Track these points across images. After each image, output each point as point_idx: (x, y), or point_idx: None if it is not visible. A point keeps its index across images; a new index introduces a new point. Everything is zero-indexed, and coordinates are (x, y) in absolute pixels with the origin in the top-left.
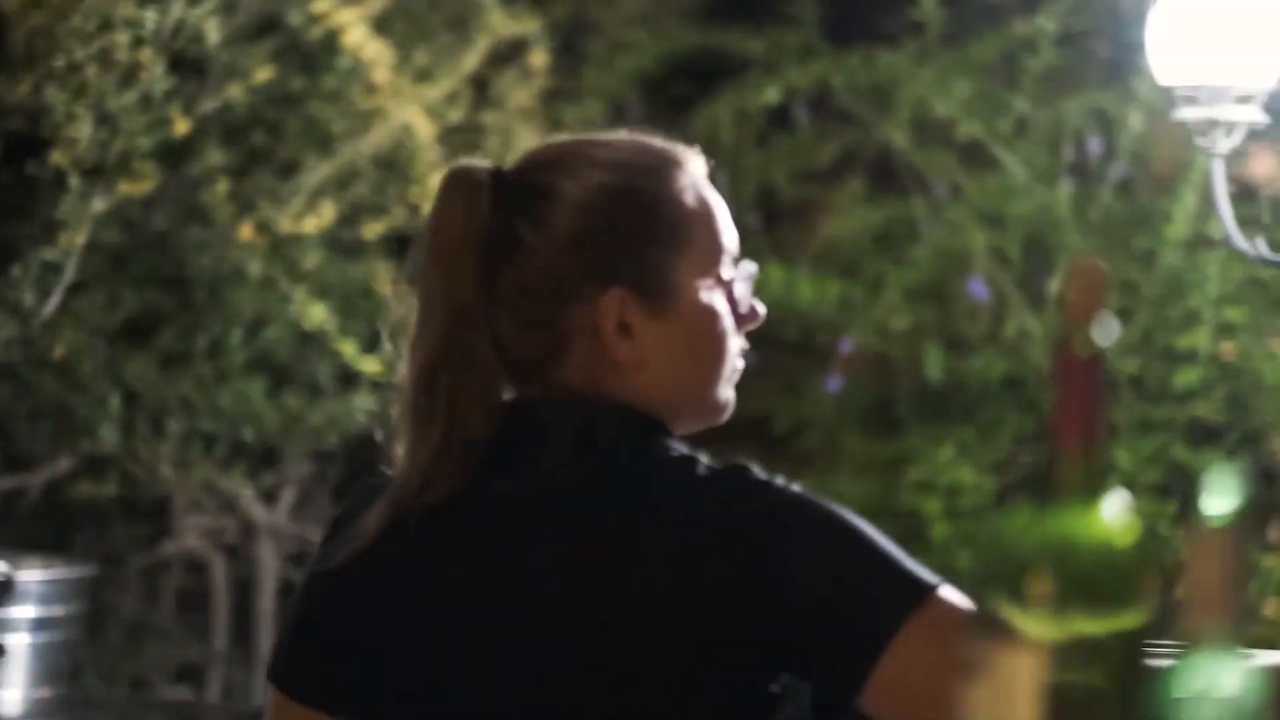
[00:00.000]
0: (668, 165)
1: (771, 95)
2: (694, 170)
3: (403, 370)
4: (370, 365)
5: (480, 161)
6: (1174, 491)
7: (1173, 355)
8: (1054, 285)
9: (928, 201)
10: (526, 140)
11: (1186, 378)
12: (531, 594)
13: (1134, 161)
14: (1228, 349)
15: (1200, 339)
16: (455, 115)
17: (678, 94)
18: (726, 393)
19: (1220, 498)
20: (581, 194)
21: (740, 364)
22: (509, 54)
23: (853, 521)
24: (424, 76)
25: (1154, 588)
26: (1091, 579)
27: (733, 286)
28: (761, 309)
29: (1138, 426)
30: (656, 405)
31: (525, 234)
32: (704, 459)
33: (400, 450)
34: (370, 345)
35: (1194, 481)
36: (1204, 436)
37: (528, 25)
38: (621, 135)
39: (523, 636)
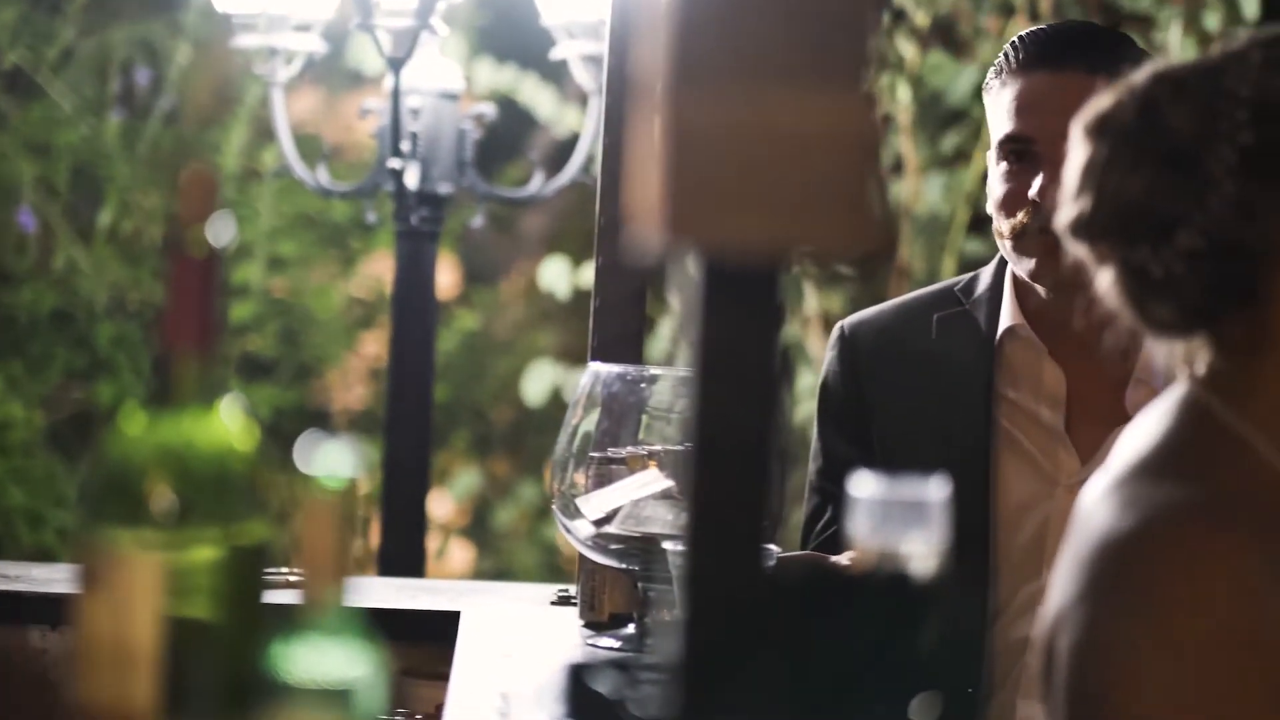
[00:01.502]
0: None
1: None
2: None
3: None
4: None
5: None
6: None
7: (226, 289)
8: (104, 218)
9: None
10: None
11: (240, 312)
12: None
13: (181, 93)
14: (279, 283)
15: (253, 273)
16: None
17: None
18: None
19: (333, 467)
20: None
21: None
22: None
23: None
24: None
25: (272, 500)
26: (212, 484)
27: None
28: None
29: None
30: None
31: None
32: None
33: None
34: None
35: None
36: (257, 370)
37: None
38: None
39: None
